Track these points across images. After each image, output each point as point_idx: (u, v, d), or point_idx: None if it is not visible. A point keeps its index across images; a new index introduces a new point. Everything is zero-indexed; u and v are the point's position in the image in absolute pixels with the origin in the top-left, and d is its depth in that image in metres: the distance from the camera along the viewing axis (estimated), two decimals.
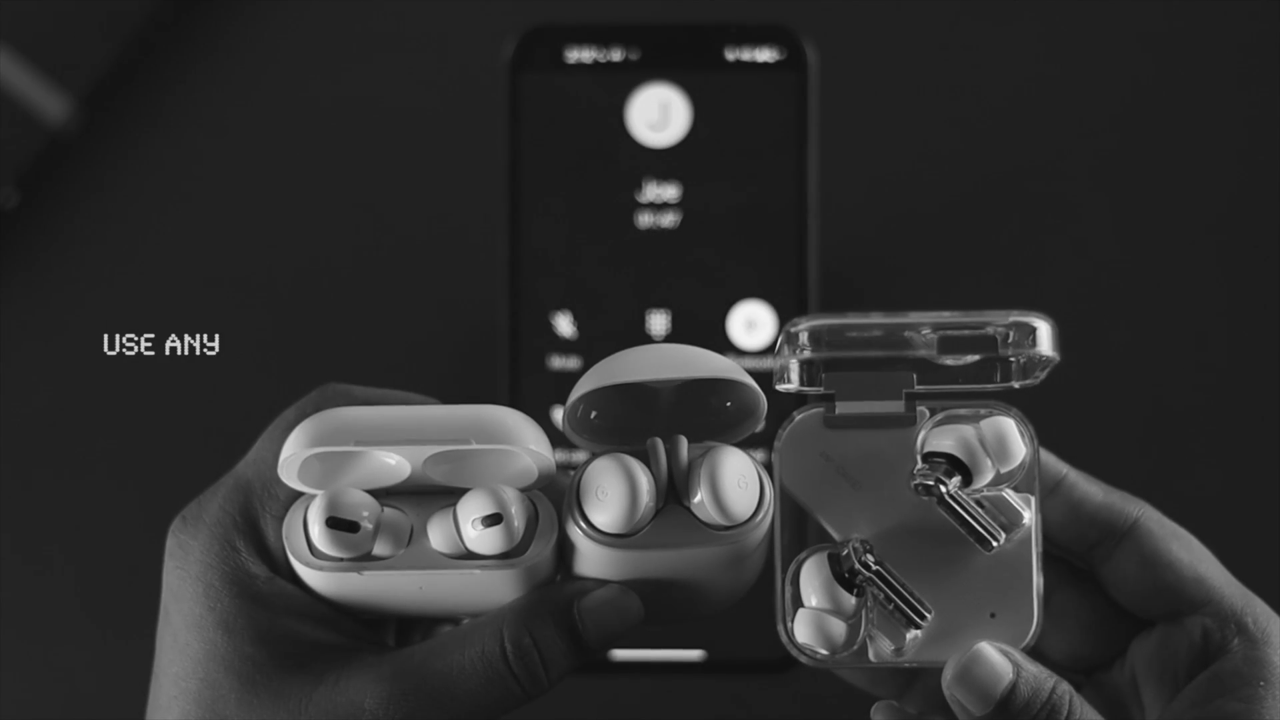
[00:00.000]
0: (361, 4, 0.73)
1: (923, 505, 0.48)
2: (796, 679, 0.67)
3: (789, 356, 0.48)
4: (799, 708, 0.69)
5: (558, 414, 0.61)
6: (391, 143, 0.72)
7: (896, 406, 0.48)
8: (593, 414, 0.47)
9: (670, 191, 0.64)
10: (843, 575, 0.47)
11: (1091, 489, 0.50)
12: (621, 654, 0.64)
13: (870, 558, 0.47)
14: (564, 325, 0.65)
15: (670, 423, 0.46)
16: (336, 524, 0.45)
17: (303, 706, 0.46)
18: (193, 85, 0.73)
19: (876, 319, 0.48)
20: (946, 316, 0.48)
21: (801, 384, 0.48)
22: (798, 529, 0.48)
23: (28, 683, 0.69)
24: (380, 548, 0.46)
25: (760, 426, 0.47)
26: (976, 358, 0.48)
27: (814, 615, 0.47)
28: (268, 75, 0.73)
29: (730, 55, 0.64)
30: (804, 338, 0.47)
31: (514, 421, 0.45)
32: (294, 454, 0.45)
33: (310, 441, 0.45)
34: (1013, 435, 0.47)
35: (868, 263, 0.71)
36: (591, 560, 0.46)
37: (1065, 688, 0.47)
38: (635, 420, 0.47)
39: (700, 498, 0.45)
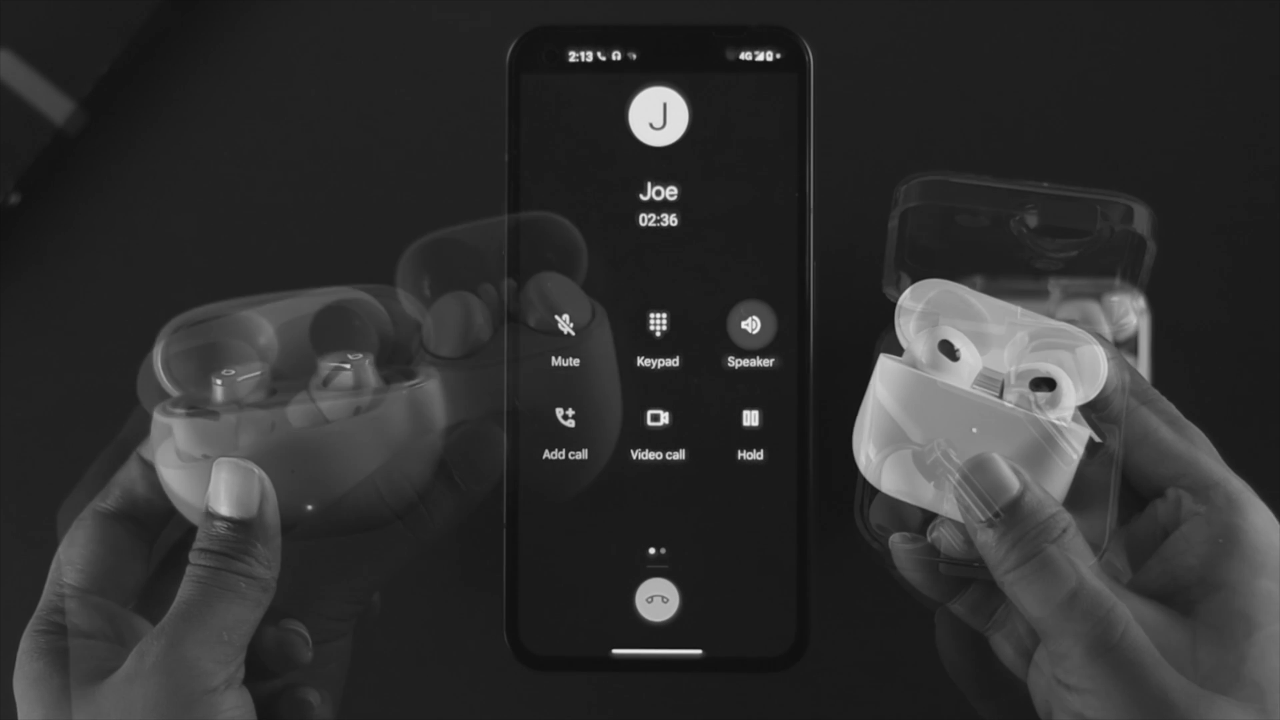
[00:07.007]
0: (362, 4, 0.73)
1: (1009, 419, 0.51)
2: (796, 678, 0.67)
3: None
4: (799, 707, 0.69)
5: (559, 412, 0.61)
6: (392, 143, 0.72)
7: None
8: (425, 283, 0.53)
9: (670, 191, 0.64)
10: (924, 466, 0.51)
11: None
12: (621, 653, 0.64)
13: (953, 451, 0.51)
14: (564, 325, 0.65)
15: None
16: (197, 413, 0.50)
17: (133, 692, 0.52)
18: (193, 85, 0.73)
19: (988, 181, 0.55)
20: (1047, 187, 0.55)
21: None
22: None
23: None
24: (243, 440, 0.50)
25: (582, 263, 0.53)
26: (1073, 241, 0.54)
27: (891, 501, 0.52)
28: (268, 75, 0.73)
29: (730, 55, 0.64)
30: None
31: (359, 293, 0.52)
32: (161, 355, 0.51)
33: (172, 330, 0.51)
34: (1101, 364, 0.52)
35: (868, 263, 0.71)
36: (449, 399, 0.51)
37: (1066, 516, 0.50)
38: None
39: (534, 318, 0.51)
